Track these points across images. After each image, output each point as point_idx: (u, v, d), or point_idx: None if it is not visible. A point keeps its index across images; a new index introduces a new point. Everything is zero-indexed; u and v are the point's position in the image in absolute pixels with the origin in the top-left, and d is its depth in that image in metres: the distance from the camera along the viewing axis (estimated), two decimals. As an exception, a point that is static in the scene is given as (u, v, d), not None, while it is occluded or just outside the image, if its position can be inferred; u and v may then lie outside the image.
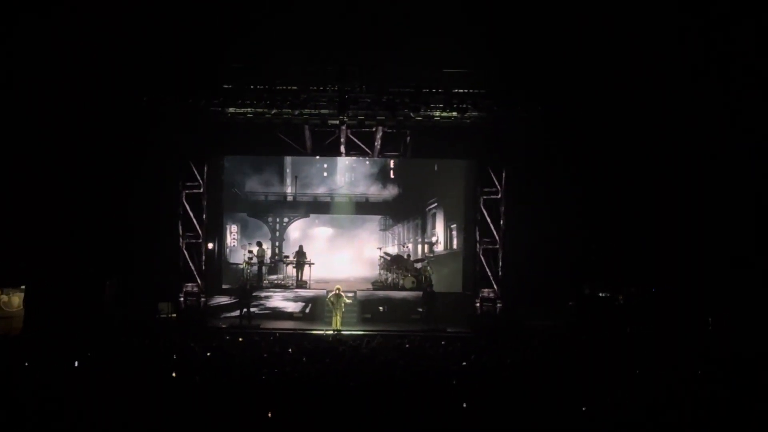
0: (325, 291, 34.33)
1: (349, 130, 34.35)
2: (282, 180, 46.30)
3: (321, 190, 47.40)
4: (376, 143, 34.91)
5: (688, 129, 30.70)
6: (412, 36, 30.38)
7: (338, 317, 31.47)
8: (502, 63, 31.07)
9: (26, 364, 17.70)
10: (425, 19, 30.11)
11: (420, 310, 32.38)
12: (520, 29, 30.38)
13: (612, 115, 31.51)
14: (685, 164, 31.18)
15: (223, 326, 31.79)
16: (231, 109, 32.72)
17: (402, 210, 46.61)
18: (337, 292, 31.82)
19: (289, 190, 46.87)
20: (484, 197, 34.61)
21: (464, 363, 19.38)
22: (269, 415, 14.23)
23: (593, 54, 30.56)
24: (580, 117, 31.74)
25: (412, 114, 32.87)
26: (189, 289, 33.77)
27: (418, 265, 37.57)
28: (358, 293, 35.38)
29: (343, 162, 43.93)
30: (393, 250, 45.07)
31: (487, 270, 34.37)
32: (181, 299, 33.55)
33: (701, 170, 30.79)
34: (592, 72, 30.88)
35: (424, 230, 45.53)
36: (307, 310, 34.64)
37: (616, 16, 29.56)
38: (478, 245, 34.72)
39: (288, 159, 42.97)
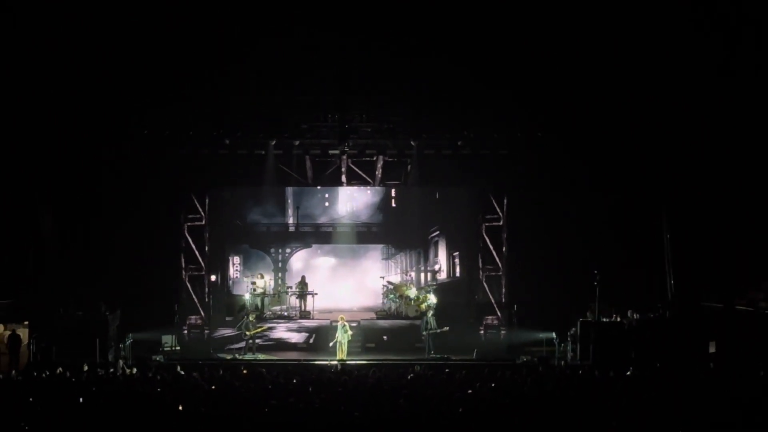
0: (329, 321, 34.30)
1: (350, 160, 34.42)
2: (284, 211, 46.28)
3: (323, 220, 47.37)
4: (377, 172, 34.97)
5: (687, 155, 30.77)
6: (412, 65, 30.51)
7: (343, 347, 31.40)
8: (503, 90, 31.13)
9: (30, 399, 17.68)
10: (424, 47, 30.24)
11: (423, 337, 32.29)
12: (521, 58, 30.46)
13: (612, 140, 31.56)
14: (686, 189, 31.24)
15: (228, 358, 31.74)
16: (231, 141, 32.82)
17: (404, 239, 46.55)
18: (341, 322, 31.77)
19: (290, 220, 46.84)
20: (486, 224, 34.73)
21: (470, 391, 19.34)
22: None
23: (592, 80, 30.65)
24: (581, 142, 31.79)
25: (412, 142, 32.98)
26: (192, 321, 33.83)
27: (413, 292, 37.52)
28: (362, 322, 35.35)
29: (345, 191, 43.90)
30: (396, 278, 45.01)
31: (491, 297, 34.40)
32: (185, 331, 33.55)
33: (702, 194, 30.82)
34: (592, 98, 30.96)
35: (426, 259, 45.48)
36: (311, 341, 34.59)
37: (613, 43, 29.66)
38: (481, 272, 34.79)
39: (289, 189, 42.95)
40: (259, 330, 32.96)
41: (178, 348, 32.44)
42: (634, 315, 30.09)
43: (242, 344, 32.41)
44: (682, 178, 31.17)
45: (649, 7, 28.86)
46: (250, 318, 32.72)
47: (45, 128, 30.37)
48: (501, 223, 34.79)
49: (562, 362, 29.13)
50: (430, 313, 32.82)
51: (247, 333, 32.21)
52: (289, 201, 45.93)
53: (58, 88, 29.73)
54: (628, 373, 23.81)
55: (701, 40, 28.97)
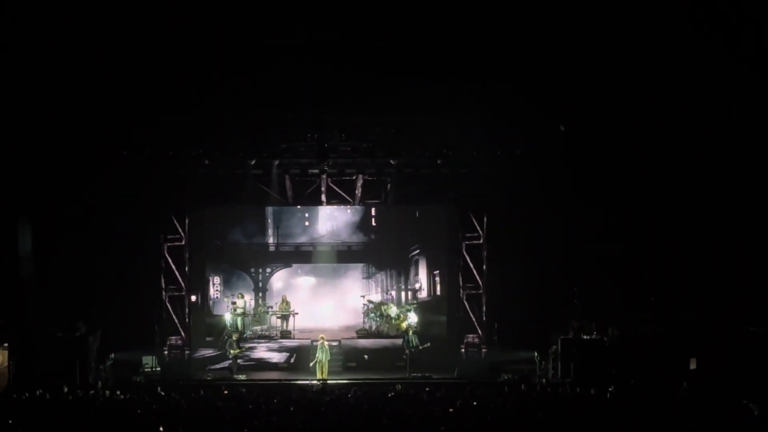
0: (309, 341, 34.27)
1: (329, 179, 34.44)
2: (264, 230, 46.27)
3: (303, 240, 47.37)
4: (356, 191, 34.99)
5: (669, 172, 30.85)
6: (390, 84, 30.52)
7: (323, 366, 31.35)
8: (481, 108, 31.19)
9: (10, 422, 17.59)
10: (403, 64, 30.27)
11: (404, 356, 32.28)
12: (499, 75, 30.51)
13: (592, 158, 31.64)
14: (666, 205, 31.31)
15: (209, 378, 31.67)
16: (211, 161, 32.81)
17: (384, 258, 46.61)
18: (321, 341, 31.74)
19: (271, 240, 46.82)
20: (466, 243, 34.75)
21: (451, 409, 19.34)
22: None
23: (572, 95, 30.72)
24: (561, 161, 31.86)
25: (391, 161, 33.03)
26: (173, 342, 33.70)
27: (394, 310, 37.58)
28: (343, 342, 35.32)
29: (325, 211, 43.99)
30: (376, 297, 45.03)
31: (471, 315, 34.42)
32: (166, 352, 33.45)
33: (686, 214, 30.90)
34: (570, 117, 31.06)
35: (407, 277, 45.52)
36: (292, 360, 34.55)
37: (595, 58, 29.74)
38: (461, 291, 34.80)
39: (269, 209, 42.98)
40: (240, 351, 32.89)
41: (158, 368, 32.35)
42: (615, 332, 30.14)
43: (225, 364, 32.38)
44: (664, 195, 31.20)
45: (634, 15, 28.87)
46: (233, 338, 32.69)
47: (24, 147, 30.24)
48: (481, 241, 34.80)
49: (544, 380, 29.11)
50: (410, 332, 32.85)
51: (231, 352, 32.21)
52: (269, 220, 45.95)
53: (36, 107, 29.62)
54: (610, 390, 23.83)
55: (687, 43, 28.99)
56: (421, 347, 32.11)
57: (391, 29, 29.57)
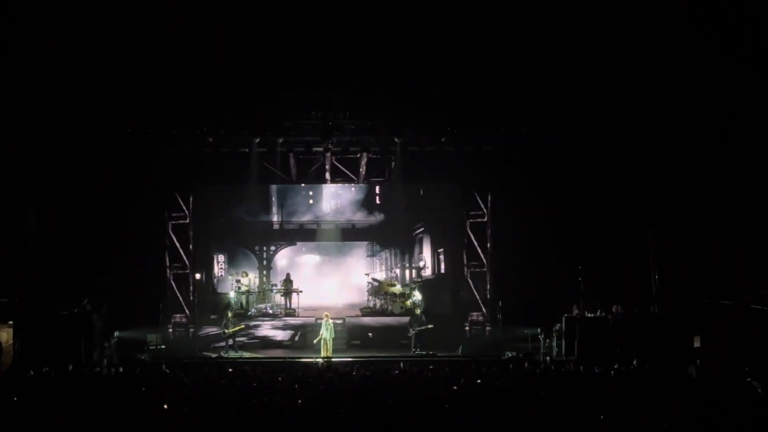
0: (314, 319, 34.27)
1: (333, 157, 34.44)
2: (268, 209, 46.13)
3: (307, 218, 47.24)
4: (361, 169, 35.00)
5: (673, 150, 30.78)
6: (395, 62, 30.49)
7: (328, 344, 31.37)
8: (486, 87, 31.14)
9: (15, 399, 17.61)
10: (408, 43, 30.23)
11: (409, 335, 32.28)
12: (503, 54, 30.45)
13: (597, 136, 31.58)
14: (672, 183, 31.25)
15: (213, 356, 31.70)
16: (215, 139, 32.79)
17: (389, 236, 46.48)
18: (326, 319, 31.74)
19: (275, 218, 46.67)
20: (471, 221, 34.79)
21: (455, 387, 19.34)
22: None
23: (575, 77, 30.66)
24: (565, 138, 31.81)
25: (396, 139, 32.98)
26: (177, 320, 33.82)
27: (398, 289, 37.54)
28: (347, 320, 35.32)
29: (329, 189, 43.78)
30: (381, 275, 44.97)
31: (476, 293, 34.50)
32: (170, 330, 33.52)
33: (690, 191, 30.83)
34: (575, 92, 30.98)
35: (411, 255, 45.45)
36: (296, 338, 34.59)
37: (598, 38, 29.67)
38: (465, 269, 34.85)
39: (273, 187, 42.81)
40: (238, 329, 32.86)
41: (163, 346, 32.39)
42: (619, 310, 30.12)
43: (223, 343, 32.44)
44: (671, 174, 31.14)
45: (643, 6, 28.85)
46: (229, 316, 32.70)
47: (29, 128, 30.22)
48: (485, 219, 34.85)
49: (548, 358, 29.13)
50: (419, 310, 32.88)
51: (226, 331, 32.20)
52: (274, 199, 45.78)
53: (38, 87, 29.58)
54: (614, 368, 23.82)
55: (692, 41, 28.96)
56: (423, 327, 32.07)
57: (397, 6, 29.55)
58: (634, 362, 25.05)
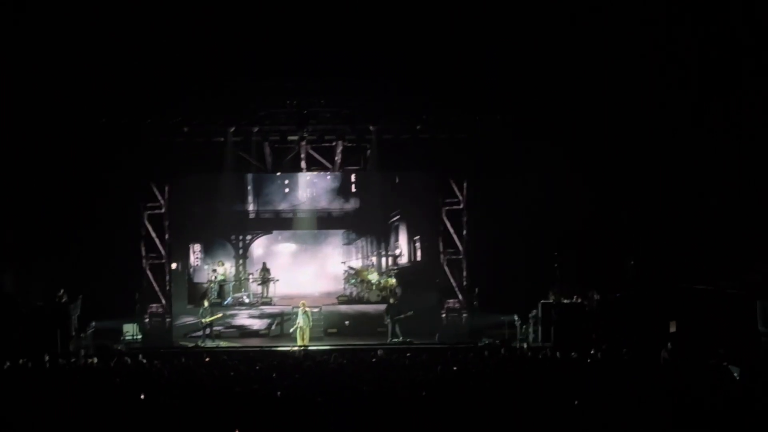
0: (290, 307, 34.28)
1: (309, 146, 34.43)
2: (244, 198, 46.07)
3: (283, 207, 47.16)
4: (336, 158, 35.01)
5: (648, 134, 30.83)
6: (370, 49, 30.45)
7: (304, 333, 31.40)
8: (460, 75, 31.15)
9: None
10: (383, 30, 30.19)
11: (386, 323, 32.34)
12: (479, 42, 30.45)
13: (571, 122, 31.62)
14: (648, 172, 31.31)
15: (190, 345, 31.68)
16: (190, 129, 32.72)
17: (365, 224, 46.48)
18: (302, 308, 31.75)
19: (251, 207, 46.60)
20: (447, 208, 34.88)
21: (432, 374, 19.40)
22: (237, 433, 14.19)
23: (554, 62, 30.69)
24: (539, 125, 31.83)
25: (371, 127, 32.99)
26: (154, 309, 33.79)
27: (375, 276, 37.62)
28: (323, 308, 35.34)
29: (304, 177, 43.68)
30: (357, 263, 45.01)
31: (452, 281, 34.54)
32: (147, 320, 33.49)
33: (665, 176, 30.90)
34: (552, 80, 31.01)
35: (387, 243, 45.48)
36: (273, 327, 34.61)
37: (577, 31, 29.74)
38: (442, 256, 34.90)
39: (249, 176, 42.73)
40: (215, 318, 32.86)
41: (139, 337, 32.45)
42: (596, 296, 30.23)
43: (200, 332, 32.44)
44: (646, 158, 31.18)
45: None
46: (205, 305, 32.71)
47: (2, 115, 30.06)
48: (461, 206, 34.94)
49: (524, 344, 29.23)
50: (392, 300, 32.99)
51: (203, 321, 32.24)
52: (249, 188, 45.71)
53: (9, 76, 29.40)
54: (590, 354, 23.94)
55: (678, 37, 29.04)
56: (402, 316, 32.11)
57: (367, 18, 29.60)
58: (611, 346, 25.16)
